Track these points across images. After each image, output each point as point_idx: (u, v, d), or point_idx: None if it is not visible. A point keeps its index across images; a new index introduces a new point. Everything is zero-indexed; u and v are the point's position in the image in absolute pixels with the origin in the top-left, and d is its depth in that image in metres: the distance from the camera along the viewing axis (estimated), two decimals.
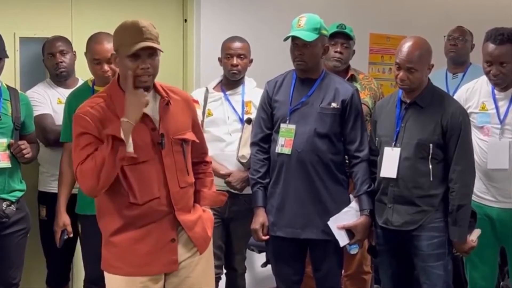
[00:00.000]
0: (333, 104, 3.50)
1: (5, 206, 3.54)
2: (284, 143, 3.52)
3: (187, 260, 2.94)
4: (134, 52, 2.74)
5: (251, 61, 4.04)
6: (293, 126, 3.51)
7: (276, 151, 3.55)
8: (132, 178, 2.81)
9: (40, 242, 4.01)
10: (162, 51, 2.82)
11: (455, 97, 3.83)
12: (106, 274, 2.92)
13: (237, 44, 3.98)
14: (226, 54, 3.97)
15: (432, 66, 3.46)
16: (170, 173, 2.87)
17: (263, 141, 3.62)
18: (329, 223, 3.48)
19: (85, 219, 3.61)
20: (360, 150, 3.54)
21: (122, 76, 2.84)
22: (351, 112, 3.52)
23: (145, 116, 2.82)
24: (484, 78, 3.71)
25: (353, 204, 3.53)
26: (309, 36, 3.43)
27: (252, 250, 4.59)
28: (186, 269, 2.94)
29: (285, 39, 3.49)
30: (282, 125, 3.54)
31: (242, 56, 3.96)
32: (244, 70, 4.00)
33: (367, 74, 4.28)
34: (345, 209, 3.51)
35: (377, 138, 3.56)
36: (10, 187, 3.58)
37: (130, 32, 2.77)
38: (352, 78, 4.15)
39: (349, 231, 3.49)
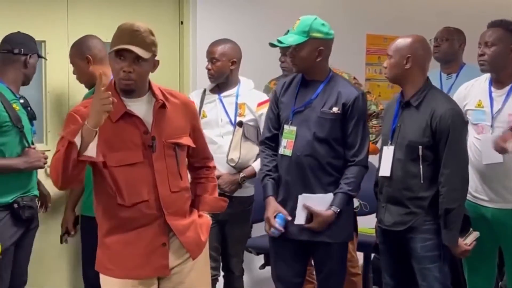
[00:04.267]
0: (334, 109, 3.46)
1: (37, 202, 3.63)
2: (286, 145, 3.51)
3: (179, 266, 2.92)
4: (114, 51, 2.76)
5: (233, 62, 4.00)
6: (294, 128, 3.49)
7: (280, 152, 3.54)
8: (121, 179, 2.81)
9: None
10: (145, 59, 2.78)
11: (455, 94, 3.85)
12: (100, 275, 2.93)
13: (210, 48, 4.02)
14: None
15: (412, 60, 3.40)
16: (161, 177, 2.85)
17: (271, 140, 3.61)
18: (299, 196, 3.44)
19: (85, 220, 3.67)
20: (357, 155, 3.48)
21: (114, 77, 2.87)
22: (352, 116, 3.46)
23: (136, 118, 2.83)
24: (484, 76, 3.73)
25: (330, 195, 3.47)
26: (294, 40, 3.42)
27: (250, 252, 4.58)
28: (179, 275, 2.92)
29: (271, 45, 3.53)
30: (285, 126, 3.53)
31: (214, 59, 3.97)
32: (218, 73, 3.98)
33: (336, 68, 4.25)
34: (321, 195, 3.45)
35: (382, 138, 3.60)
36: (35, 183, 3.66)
37: (121, 33, 2.79)
38: None
39: (310, 216, 3.44)
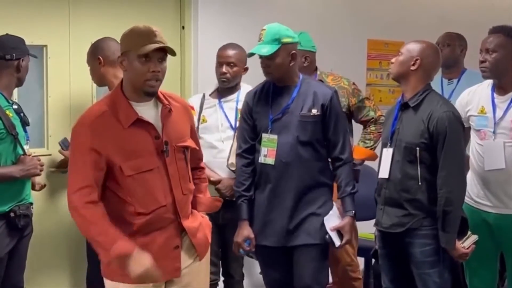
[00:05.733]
0: (313, 111, 3.48)
1: (32, 210, 3.59)
2: (267, 153, 3.51)
3: (189, 267, 2.94)
4: (147, 52, 2.74)
5: (245, 69, 4.04)
6: (275, 136, 3.49)
7: (260, 161, 3.53)
8: (138, 187, 2.79)
9: None
10: (175, 54, 2.85)
11: (458, 99, 3.86)
12: (107, 282, 2.90)
13: (227, 52, 3.99)
14: (217, 62, 4.01)
15: (419, 63, 3.40)
16: (175, 181, 2.86)
17: (248, 152, 3.60)
18: (325, 222, 3.48)
19: None
20: (342, 152, 3.53)
21: (127, 81, 2.84)
22: (331, 115, 3.50)
23: (148, 124, 2.82)
24: (486, 82, 3.73)
25: (334, 209, 3.53)
26: (268, 49, 3.42)
27: (251, 257, 4.57)
28: (188, 276, 2.94)
29: (248, 56, 3.50)
30: (264, 135, 3.52)
31: (231, 64, 3.97)
32: (234, 78, 4.00)
33: (336, 74, 4.26)
34: (330, 212, 3.51)
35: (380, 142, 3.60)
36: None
37: (143, 34, 2.77)
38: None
39: (339, 233, 3.51)
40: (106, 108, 2.80)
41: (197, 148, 3.05)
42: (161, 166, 2.83)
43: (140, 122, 2.81)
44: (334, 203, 3.57)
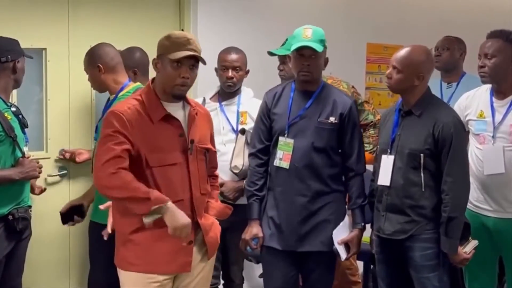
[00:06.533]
0: (331, 119, 3.49)
1: (31, 213, 3.59)
2: (282, 157, 3.52)
3: (198, 264, 3.06)
4: (180, 58, 2.88)
5: (247, 72, 4.06)
6: (291, 141, 3.50)
7: (275, 164, 3.55)
8: (160, 179, 2.92)
9: None
10: (206, 63, 2.97)
11: (456, 104, 3.85)
12: (121, 272, 3.00)
13: (232, 56, 4.00)
14: (222, 66, 4.00)
15: (423, 77, 3.39)
16: (194, 179, 3.00)
17: (262, 152, 3.61)
18: (333, 236, 3.50)
19: (94, 226, 3.74)
20: (356, 163, 3.54)
21: (159, 82, 2.98)
22: (348, 125, 3.52)
23: (176, 121, 2.97)
24: (484, 86, 3.73)
25: (346, 219, 3.56)
26: (319, 47, 3.43)
27: (250, 260, 4.57)
28: (196, 272, 3.06)
29: (297, 49, 3.43)
30: (280, 138, 3.53)
31: (237, 68, 3.98)
32: (239, 82, 4.02)
33: (335, 77, 4.25)
34: (341, 224, 3.53)
35: (378, 146, 3.58)
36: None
37: (178, 40, 2.92)
38: None
39: (346, 245, 3.53)
40: (136, 103, 2.95)
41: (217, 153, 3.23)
42: (183, 163, 2.98)
43: (168, 119, 2.96)
44: (347, 214, 3.57)
